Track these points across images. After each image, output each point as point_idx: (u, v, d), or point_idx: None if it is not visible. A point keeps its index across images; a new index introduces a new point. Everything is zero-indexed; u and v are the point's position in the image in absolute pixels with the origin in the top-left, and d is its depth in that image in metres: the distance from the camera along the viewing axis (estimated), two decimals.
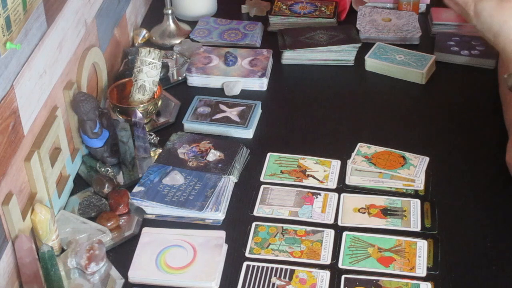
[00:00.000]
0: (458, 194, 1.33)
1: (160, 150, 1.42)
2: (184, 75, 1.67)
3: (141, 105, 1.46)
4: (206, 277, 1.16)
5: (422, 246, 1.21)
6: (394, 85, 1.65)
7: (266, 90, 1.63)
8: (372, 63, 1.69)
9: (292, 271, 1.18)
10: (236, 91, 1.61)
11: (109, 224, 1.26)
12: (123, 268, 1.19)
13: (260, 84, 1.63)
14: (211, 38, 1.81)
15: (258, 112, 1.54)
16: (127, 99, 1.50)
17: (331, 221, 1.27)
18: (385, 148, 1.41)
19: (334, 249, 1.21)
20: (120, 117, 1.48)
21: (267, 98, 1.60)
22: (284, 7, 1.89)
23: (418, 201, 1.30)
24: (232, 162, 1.37)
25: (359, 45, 1.71)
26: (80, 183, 1.38)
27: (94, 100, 1.36)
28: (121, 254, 1.23)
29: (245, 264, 1.20)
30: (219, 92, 1.62)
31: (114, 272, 1.18)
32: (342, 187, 1.34)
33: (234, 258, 1.21)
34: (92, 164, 1.40)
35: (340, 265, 1.19)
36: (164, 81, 1.65)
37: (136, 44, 1.80)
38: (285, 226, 1.26)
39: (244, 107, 1.53)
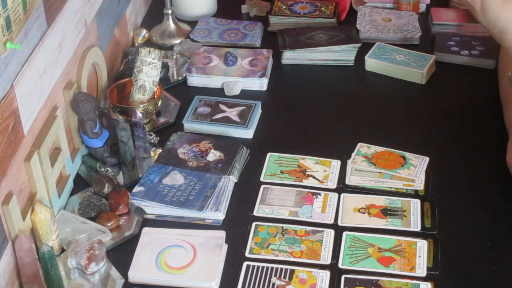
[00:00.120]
0: (458, 194, 1.33)
1: (160, 150, 1.42)
2: (184, 75, 1.67)
3: (141, 105, 1.46)
4: (206, 277, 1.16)
5: (422, 246, 1.21)
6: (394, 85, 1.65)
7: (266, 90, 1.63)
8: (372, 63, 1.68)
9: (292, 271, 1.18)
10: (236, 91, 1.61)
11: (109, 224, 1.26)
12: (123, 268, 1.19)
13: (260, 84, 1.63)
14: (211, 38, 1.80)
15: (258, 112, 1.54)
16: (127, 99, 1.50)
17: (331, 221, 1.27)
18: (385, 148, 1.41)
19: (334, 249, 1.21)
20: (120, 117, 1.48)
21: (267, 98, 1.60)
22: (284, 7, 1.88)
23: (418, 201, 1.30)
24: (232, 162, 1.37)
25: (359, 45, 1.71)
26: (80, 183, 1.38)
27: (94, 100, 1.36)
28: (121, 254, 1.23)
29: (245, 264, 1.20)
30: (219, 92, 1.62)
31: (114, 272, 1.18)
32: (342, 187, 1.34)
33: (234, 258, 1.21)
34: (92, 164, 1.40)
35: (340, 265, 1.18)
36: (164, 81, 1.65)
37: (136, 44, 1.80)
38: (285, 226, 1.26)
39: (244, 107, 1.53)
